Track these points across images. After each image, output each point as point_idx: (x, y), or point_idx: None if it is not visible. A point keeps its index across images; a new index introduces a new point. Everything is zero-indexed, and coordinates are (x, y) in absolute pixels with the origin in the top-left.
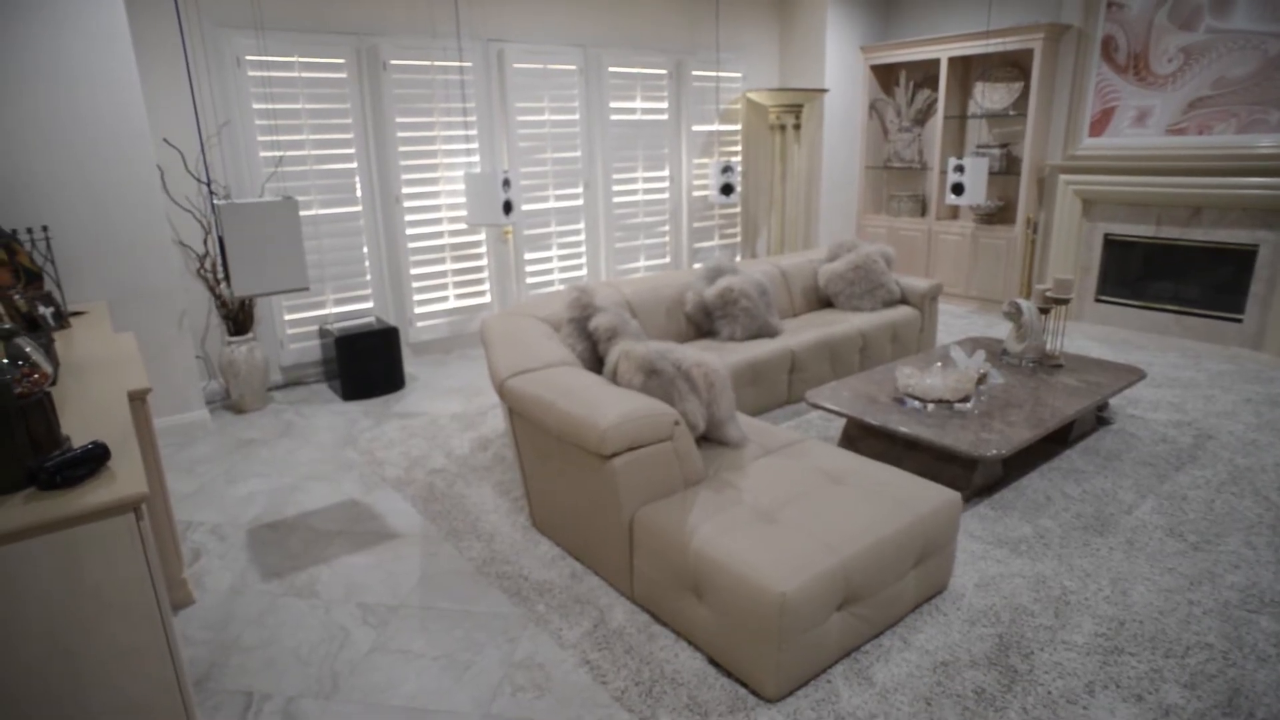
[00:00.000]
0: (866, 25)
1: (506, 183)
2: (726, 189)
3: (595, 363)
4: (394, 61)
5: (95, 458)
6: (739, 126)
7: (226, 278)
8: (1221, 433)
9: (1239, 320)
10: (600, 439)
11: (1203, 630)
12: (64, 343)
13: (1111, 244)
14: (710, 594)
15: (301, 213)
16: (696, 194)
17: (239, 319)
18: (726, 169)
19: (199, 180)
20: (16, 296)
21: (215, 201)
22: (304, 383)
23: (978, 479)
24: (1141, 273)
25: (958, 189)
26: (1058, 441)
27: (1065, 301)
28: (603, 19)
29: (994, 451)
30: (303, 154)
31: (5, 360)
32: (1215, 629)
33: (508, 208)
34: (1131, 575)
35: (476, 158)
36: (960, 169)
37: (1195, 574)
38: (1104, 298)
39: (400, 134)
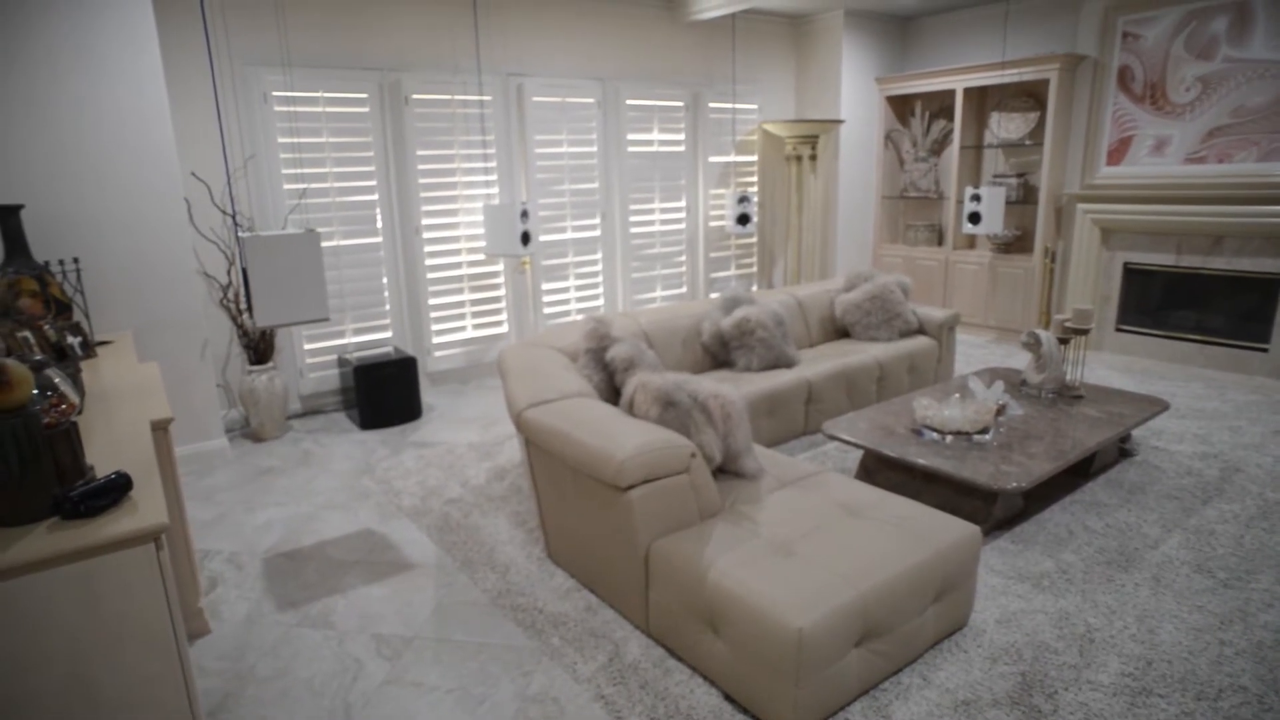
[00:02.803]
0: (882, 57)
1: (525, 214)
2: (743, 219)
3: (612, 393)
4: (416, 96)
5: (118, 488)
6: (755, 157)
7: (249, 308)
8: (1249, 465)
9: (1264, 350)
10: (617, 471)
11: (1235, 672)
12: (90, 372)
13: (1131, 273)
14: (726, 628)
15: (323, 244)
16: (713, 224)
17: (260, 348)
18: (743, 199)
19: (224, 213)
20: (47, 327)
21: (240, 234)
22: (322, 411)
23: (998, 512)
24: (1163, 302)
25: (974, 218)
26: (1079, 474)
27: (1085, 332)
28: (621, 53)
29: (1014, 484)
30: (325, 186)
31: (35, 391)
32: (1249, 671)
33: (525, 238)
34: (1159, 613)
35: (495, 189)
36: (977, 198)
37: (1226, 613)
38: (1125, 327)
39: (421, 166)
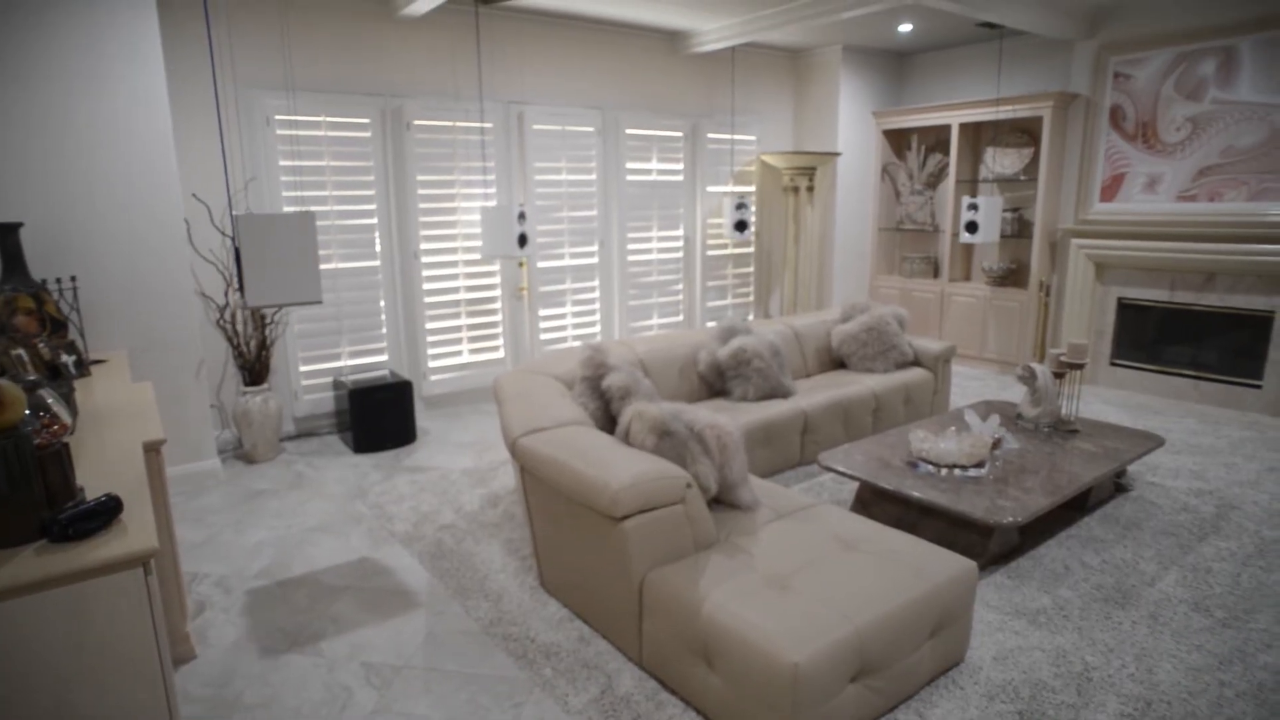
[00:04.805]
0: (878, 91)
1: (522, 215)
2: (741, 225)
3: (608, 421)
4: (417, 122)
5: (108, 510)
6: (753, 188)
7: (240, 288)
8: (1245, 502)
9: (1258, 386)
10: (612, 501)
11: (1236, 714)
12: (84, 391)
13: (1125, 308)
14: (721, 662)
15: (321, 267)
16: (711, 253)
17: (255, 369)
18: (740, 205)
19: (223, 234)
20: (41, 345)
21: (234, 212)
22: (316, 434)
23: (994, 547)
24: (1157, 337)
25: (971, 227)
26: (1075, 509)
27: (1080, 366)
28: (621, 83)
29: (1010, 519)
30: (325, 209)
31: (27, 411)
32: (1250, 713)
33: (523, 240)
34: (1156, 652)
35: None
36: (974, 207)
37: (1225, 653)
38: (1119, 361)
39: (421, 191)
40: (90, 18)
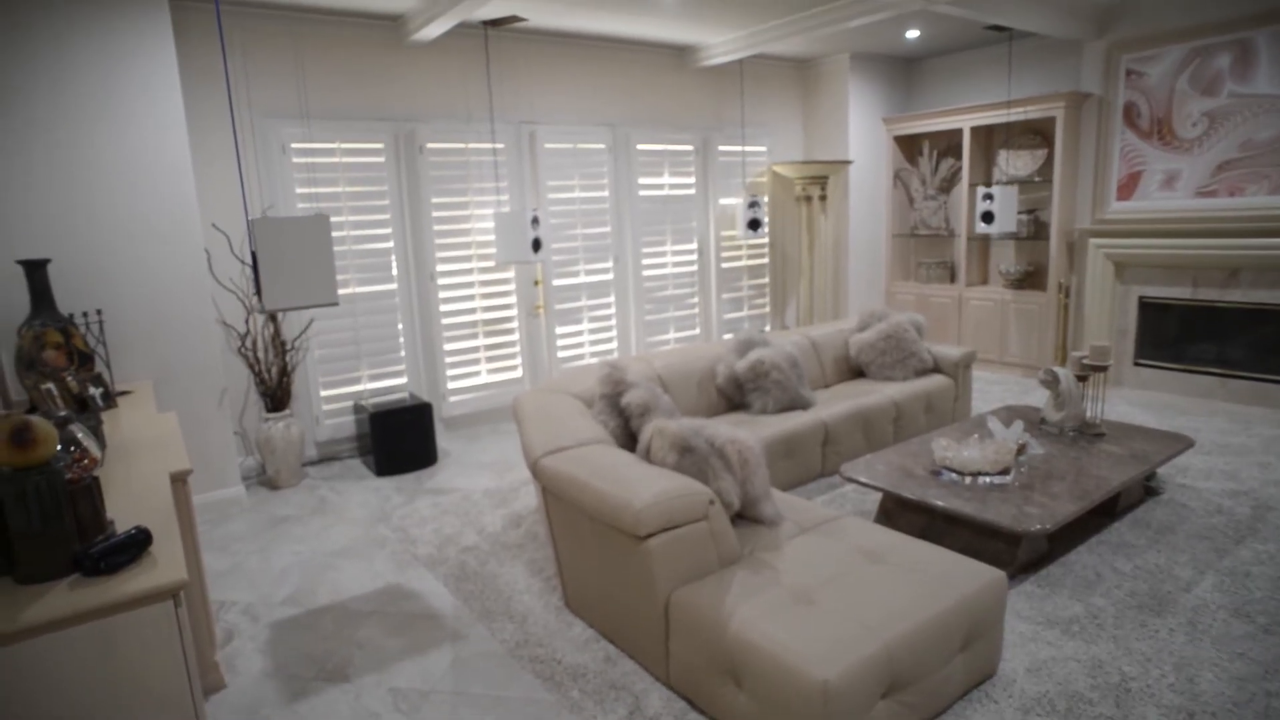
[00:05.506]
0: (888, 97)
1: (535, 220)
2: (754, 224)
3: (628, 438)
4: (430, 145)
5: (137, 543)
6: (766, 198)
7: (257, 292)
8: None
9: None
10: (635, 519)
11: None
12: (111, 422)
13: (1147, 307)
14: (749, 680)
15: (340, 291)
16: (725, 265)
17: (277, 395)
18: (753, 204)
19: (243, 262)
20: (69, 378)
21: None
22: (338, 458)
23: (1022, 555)
24: (1180, 335)
25: (987, 217)
26: (1104, 514)
27: (1104, 369)
28: (631, 99)
29: (1038, 526)
30: (341, 234)
31: (59, 447)
32: None
33: (537, 245)
34: (1197, 660)
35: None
36: (989, 197)
37: (1269, 660)
38: (1143, 361)
39: (435, 214)
40: (111, 57)
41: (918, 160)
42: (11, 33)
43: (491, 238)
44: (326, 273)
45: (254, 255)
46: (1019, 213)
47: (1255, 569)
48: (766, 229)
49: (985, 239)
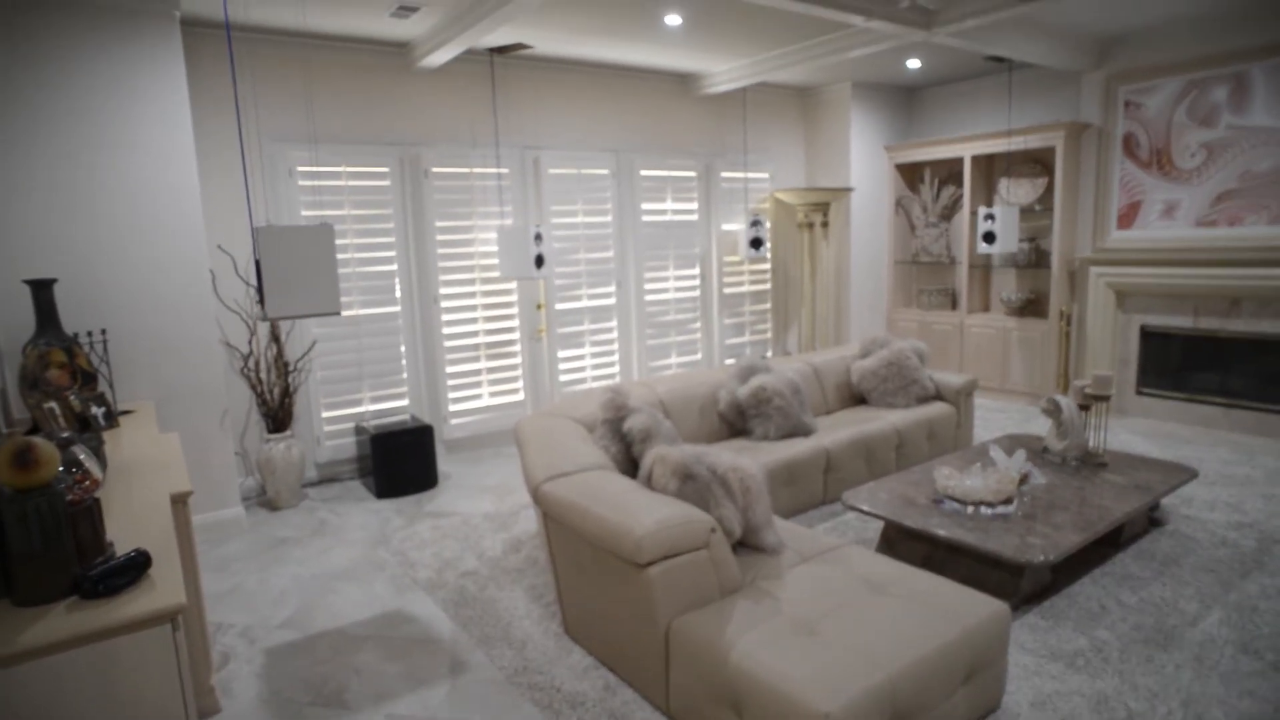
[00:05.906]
0: (889, 125)
1: (539, 237)
2: (756, 243)
3: (629, 464)
4: (435, 169)
5: (137, 566)
6: (768, 225)
7: (260, 300)
8: None
9: None
10: (636, 547)
11: None
12: (112, 442)
13: (1149, 335)
14: (750, 711)
15: (343, 313)
16: (728, 291)
17: (278, 416)
18: (755, 222)
19: (248, 284)
20: (72, 397)
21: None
22: (338, 480)
23: (1025, 586)
24: (1183, 364)
25: (989, 238)
26: (1108, 544)
27: (1106, 398)
28: (635, 126)
29: (1041, 557)
30: (346, 257)
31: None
32: None
33: (539, 261)
34: (1204, 697)
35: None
36: (991, 217)
37: (1279, 699)
38: (1145, 390)
39: (439, 237)
40: (122, 80)
41: (919, 188)
42: (24, 56)
43: (495, 259)
44: (329, 282)
45: (258, 264)
46: (1020, 240)
47: (1262, 603)
48: (769, 249)
49: (987, 267)
